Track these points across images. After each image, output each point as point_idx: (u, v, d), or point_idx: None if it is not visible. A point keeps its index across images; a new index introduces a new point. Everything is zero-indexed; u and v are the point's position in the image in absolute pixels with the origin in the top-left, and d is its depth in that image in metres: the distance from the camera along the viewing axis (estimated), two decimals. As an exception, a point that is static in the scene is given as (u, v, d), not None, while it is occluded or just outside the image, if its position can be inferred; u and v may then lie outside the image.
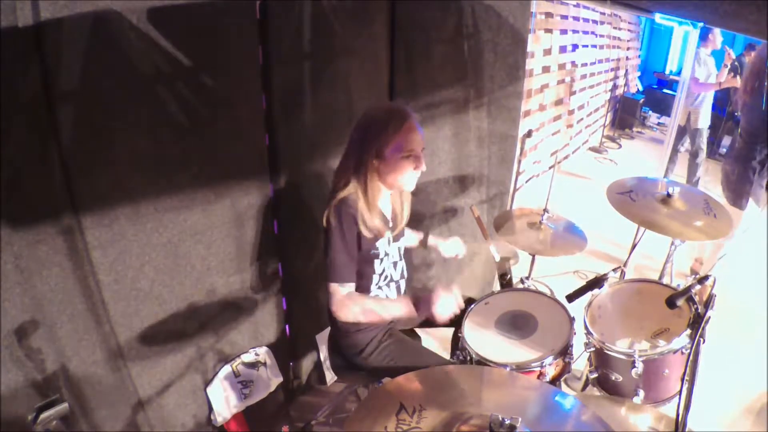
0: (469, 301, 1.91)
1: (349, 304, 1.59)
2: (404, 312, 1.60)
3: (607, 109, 7.05)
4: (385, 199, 1.74)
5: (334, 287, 1.60)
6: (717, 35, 4.56)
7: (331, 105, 2.03)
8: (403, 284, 1.89)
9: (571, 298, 1.89)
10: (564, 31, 4.92)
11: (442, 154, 2.54)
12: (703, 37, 4.57)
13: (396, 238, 1.79)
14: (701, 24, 2.37)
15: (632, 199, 2.12)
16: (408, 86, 2.29)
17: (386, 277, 1.78)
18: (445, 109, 2.45)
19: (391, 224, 1.76)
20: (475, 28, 2.40)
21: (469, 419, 1.03)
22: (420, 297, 1.58)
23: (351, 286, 1.63)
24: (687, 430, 1.26)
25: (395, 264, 1.81)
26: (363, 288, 1.73)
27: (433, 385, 1.19)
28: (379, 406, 1.13)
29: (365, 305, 1.61)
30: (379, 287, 1.79)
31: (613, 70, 6.97)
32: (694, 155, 4.91)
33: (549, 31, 4.61)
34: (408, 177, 1.62)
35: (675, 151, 4.97)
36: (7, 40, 1.17)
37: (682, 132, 4.90)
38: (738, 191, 3.20)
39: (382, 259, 1.72)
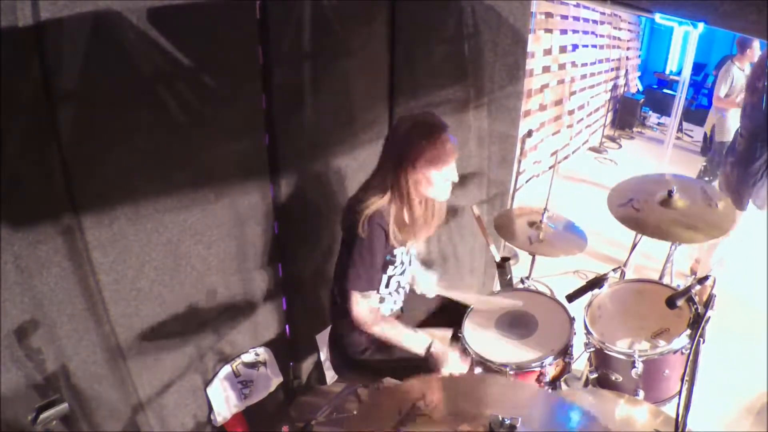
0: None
1: (372, 322, 1.63)
2: (416, 353, 1.66)
3: (607, 109, 7.04)
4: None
5: (355, 295, 1.61)
6: (756, 49, 4.11)
7: (331, 105, 2.03)
8: (407, 288, 1.90)
9: (571, 298, 1.89)
10: (564, 31, 4.92)
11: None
12: (741, 50, 4.22)
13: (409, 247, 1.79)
14: (701, 23, 2.37)
15: (635, 209, 2.10)
16: (408, 86, 2.29)
17: (396, 282, 1.79)
18: (445, 109, 2.45)
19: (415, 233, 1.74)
20: (475, 28, 2.40)
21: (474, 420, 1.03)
22: (437, 354, 1.65)
23: (372, 294, 1.65)
24: (687, 430, 1.26)
25: (404, 271, 1.82)
26: None
27: (460, 393, 1.21)
28: (402, 393, 1.15)
29: (385, 331, 1.65)
30: (390, 293, 1.80)
31: (613, 70, 6.96)
32: (715, 164, 4.57)
33: (549, 31, 4.61)
34: (441, 189, 1.62)
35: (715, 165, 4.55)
36: (7, 40, 1.17)
37: (708, 142, 4.53)
38: (738, 192, 3.20)
39: (396, 266, 1.73)
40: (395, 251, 1.68)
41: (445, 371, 1.62)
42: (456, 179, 1.62)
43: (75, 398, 1.53)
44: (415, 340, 1.67)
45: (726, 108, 4.36)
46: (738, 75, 4.27)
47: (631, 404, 1.53)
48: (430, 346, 1.66)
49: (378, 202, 1.58)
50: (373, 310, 1.66)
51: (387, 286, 1.77)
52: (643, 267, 3.57)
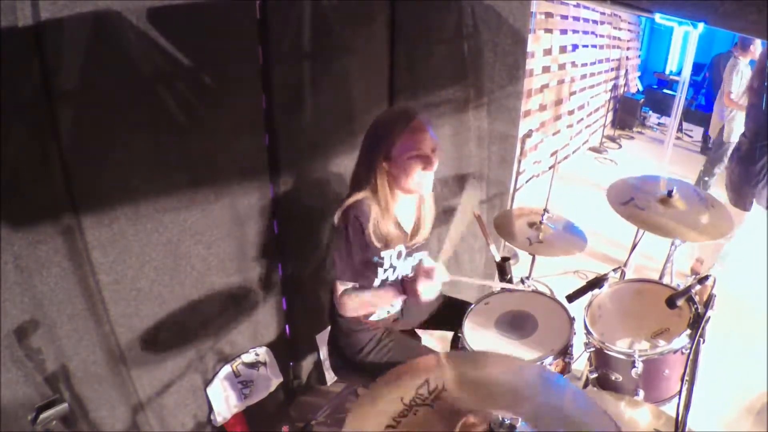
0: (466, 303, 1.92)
1: (347, 301, 1.62)
2: (394, 297, 1.61)
3: (607, 109, 7.05)
4: (405, 207, 1.71)
5: (337, 284, 1.63)
6: (758, 45, 4.12)
7: (331, 105, 2.03)
8: None
9: (571, 298, 1.89)
10: (564, 31, 4.93)
11: (442, 154, 2.54)
12: (744, 47, 4.22)
13: (410, 253, 1.74)
14: (701, 23, 2.37)
15: (639, 207, 2.10)
16: (408, 86, 2.29)
17: None
18: (445, 109, 2.45)
19: (409, 234, 1.72)
20: (475, 28, 2.40)
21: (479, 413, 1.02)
22: (405, 282, 1.59)
23: (351, 285, 1.64)
24: (687, 429, 1.26)
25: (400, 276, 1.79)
26: None
27: (467, 370, 1.18)
28: (408, 374, 1.13)
29: (360, 298, 1.63)
30: None
31: (613, 70, 6.97)
32: (713, 163, 4.60)
33: (549, 31, 4.61)
34: (418, 178, 1.57)
35: (711, 174, 4.60)
36: (7, 40, 1.17)
37: (710, 144, 4.51)
38: (740, 192, 3.20)
39: (386, 270, 1.69)
40: (383, 253, 1.64)
41: (425, 297, 1.51)
42: (435, 167, 1.59)
43: (75, 398, 1.53)
44: (385, 294, 1.63)
45: (736, 108, 4.28)
46: (746, 71, 4.23)
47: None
48: (402, 287, 1.59)
49: (357, 196, 1.58)
50: (348, 295, 1.62)
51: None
52: (643, 267, 3.57)
